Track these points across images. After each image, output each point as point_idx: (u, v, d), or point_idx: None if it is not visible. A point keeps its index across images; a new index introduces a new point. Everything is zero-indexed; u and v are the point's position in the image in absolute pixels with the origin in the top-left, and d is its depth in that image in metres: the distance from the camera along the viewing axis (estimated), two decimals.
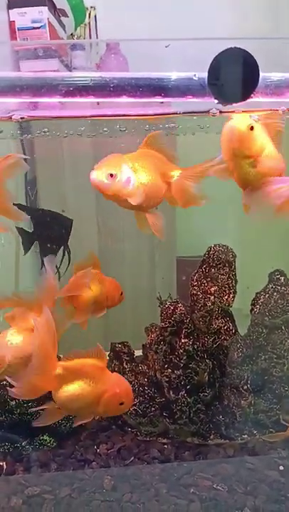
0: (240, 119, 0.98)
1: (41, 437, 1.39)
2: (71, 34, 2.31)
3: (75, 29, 2.38)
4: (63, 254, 1.59)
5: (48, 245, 1.60)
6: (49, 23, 2.06)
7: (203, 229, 2.24)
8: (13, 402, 1.37)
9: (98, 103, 1.38)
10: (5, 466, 1.31)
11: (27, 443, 1.38)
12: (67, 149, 2.18)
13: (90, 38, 2.49)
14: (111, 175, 1.02)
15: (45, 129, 1.65)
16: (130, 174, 1.05)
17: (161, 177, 1.13)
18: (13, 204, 1.12)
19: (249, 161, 1.03)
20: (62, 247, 1.61)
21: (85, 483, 1.24)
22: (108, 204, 2.43)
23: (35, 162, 2.19)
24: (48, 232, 1.60)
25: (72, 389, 1.06)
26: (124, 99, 0.97)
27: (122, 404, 1.09)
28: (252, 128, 0.98)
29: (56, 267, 1.54)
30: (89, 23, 2.41)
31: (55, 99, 0.98)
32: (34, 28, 2.06)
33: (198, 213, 2.31)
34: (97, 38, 2.46)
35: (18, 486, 1.22)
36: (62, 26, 2.33)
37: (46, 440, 1.39)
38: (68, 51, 2.07)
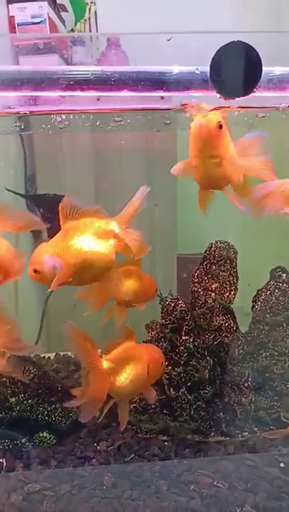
0: (210, 116, 0.95)
1: (41, 434, 1.38)
2: (71, 29, 2.30)
3: (75, 24, 2.37)
4: None
5: (55, 230, 1.59)
6: (49, 18, 2.04)
7: (203, 226, 2.23)
8: (13, 399, 1.37)
9: (98, 99, 1.38)
10: (5, 463, 1.30)
11: (27, 440, 1.37)
12: (66, 145, 2.17)
13: (91, 39, 2.48)
14: (35, 271, 1.00)
15: (43, 126, 1.64)
16: (52, 262, 1.00)
17: (103, 236, 1.05)
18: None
19: (214, 161, 1.01)
20: None
21: (85, 480, 1.24)
22: (108, 201, 2.43)
23: (34, 158, 2.19)
24: (55, 216, 1.60)
25: (127, 375, 1.13)
26: (126, 94, 0.95)
27: (162, 364, 1.22)
28: (220, 126, 0.95)
29: None
30: (89, 18, 2.39)
31: (56, 93, 0.97)
32: (34, 24, 2.04)
33: (199, 210, 2.31)
34: (97, 33, 2.45)
35: (18, 483, 1.22)
36: (62, 21, 2.31)
37: (46, 437, 1.38)
38: (68, 47, 2.06)
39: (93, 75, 0.93)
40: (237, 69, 0.89)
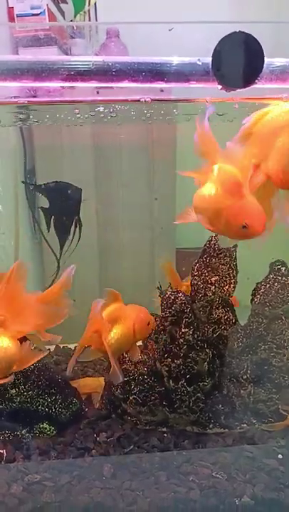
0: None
1: (41, 425, 1.39)
2: (70, 21, 2.28)
3: (75, 16, 2.35)
4: (75, 227, 1.59)
5: (64, 218, 1.60)
6: (48, 9, 2.03)
7: None
8: (13, 391, 1.37)
9: (98, 92, 1.37)
10: (5, 454, 1.31)
11: (27, 431, 1.38)
12: (66, 138, 2.16)
13: (90, 29, 2.46)
14: None
15: (47, 116, 1.64)
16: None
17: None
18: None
19: None
20: (74, 219, 1.60)
21: (84, 470, 1.24)
22: (107, 194, 2.42)
23: (34, 151, 2.18)
24: (63, 205, 1.60)
25: (113, 334, 1.21)
26: (126, 84, 0.95)
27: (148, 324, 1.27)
28: None
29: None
30: (88, 10, 2.38)
31: (56, 84, 0.96)
32: (33, 15, 2.03)
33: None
34: (96, 26, 2.43)
35: (19, 474, 1.22)
36: (62, 13, 2.30)
37: (46, 428, 1.39)
38: (68, 39, 2.05)
39: (94, 65, 0.92)
40: (239, 60, 0.88)
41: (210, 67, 0.91)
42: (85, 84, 0.97)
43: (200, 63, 0.93)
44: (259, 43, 0.89)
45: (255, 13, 2.21)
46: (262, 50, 0.89)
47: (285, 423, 1.43)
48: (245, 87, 0.93)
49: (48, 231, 1.64)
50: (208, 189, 0.99)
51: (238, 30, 0.88)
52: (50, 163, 2.20)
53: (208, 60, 0.92)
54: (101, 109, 1.52)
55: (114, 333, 1.20)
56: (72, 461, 1.29)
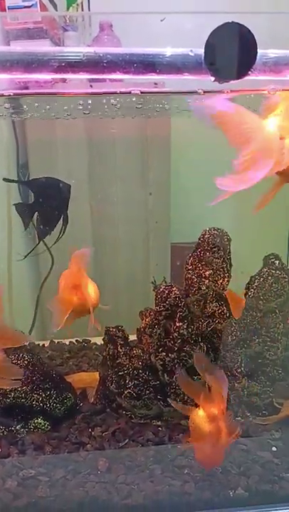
0: None
1: (36, 421, 1.39)
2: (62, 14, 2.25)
3: (67, 9, 2.32)
4: (63, 223, 1.59)
5: (49, 215, 1.59)
6: (40, 2, 2.00)
7: (197, 215, 2.23)
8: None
9: (91, 85, 1.35)
10: None
11: (21, 426, 1.38)
12: (59, 132, 2.15)
13: (83, 18, 2.43)
14: None
15: (39, 108, 1.62)
16: None
17: None
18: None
19: None
20: (62, 216, 1.59)
21: (79, 465, 1.24)
22: (102, 189, 2.41)
23: (26, 145, 2.16)
24: (48, 201, 1.59)
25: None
26: (118, 76, 0.94)
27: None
28: None
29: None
30: (81, 3, 2.35)
31: (47, 76, 0.94)
32: (25, 7, 2.00)
33: (193, 199, 2.31)
34: (89, 18, 2.40)
35: (13, 469, 1.22)
36: (54, 6, 2.27)
37: (41, 423, 1.39)
38: (60, 31, 2.02)
39: (85, 56, 0.90)
40: (232, 51, 0.88)
41: (202, 58, 0.90)
42: (76, 76, 0.95)
43: (192, 54, 0.91)
44: (252, 34, 0.88)
45: (252, 3, 2.19)
46: (255, 41, 0.89)
47: (278, 416, 1.43)
48: (238, 78, 0.92)
49: (25, 229, 1.63)
50: None
51: (230, 21, 0.87)
52: (43, 158, 2.18)
53: (201, 51, 0.91)
54: (94, 102, 1.51)
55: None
56: (67, 455, 1.29)
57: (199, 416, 1.09)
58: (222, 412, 1.07)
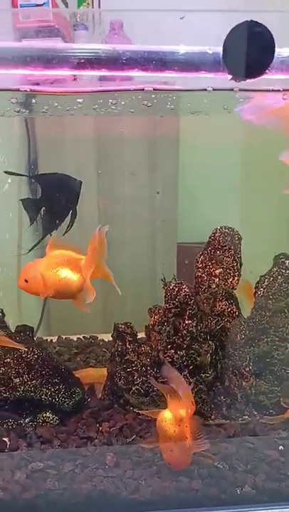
0: None
1: (44, 415, 1.40)
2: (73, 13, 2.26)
3: (78, 7, 2.33)
4: (71, 218, 1.60)
5: (55, 210, 1.60)
6: (52, 0, 2.01)
7: (204, 215, 2.23)
8: (17, 380, 1.38)
9: (101, 85, 1.36)
10: (9, 442, 1.32)
11: (30, 420, 1.39)
12: (68, 130, 2.16)
13: (93, 17, 2.44)
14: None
15: (46, 107, 1.63)
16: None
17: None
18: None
19: None
20: (70, 211, 1.60)
21: (87, 459, 1.25)
22: (109, 188, 2.42)
23: (36, 142, 2.17)
24: (56, 196, 1.60)
25: None
26: (137, 73, 0.95)
27: None
28: None
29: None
30: (92, 1, 2.36)
31: (66, 72, 0.96)
32: (37, 5, 2.01)
33: (200, 200, 2.31)
34: (100, 17, 2.41)
35: (22, 461, 1.23)
36: (65, 4, 2.28)
37: (49, 417, 1.40)
38: (71, 30, 2.03)
39: (104, 53, 0.91)
40: (250, 50, 0.88)
41: (220, 57, 0.91)
42: (94, 73, 0.96)
43: (210, 52, 0.92)
44: (270, 33, 0.89)
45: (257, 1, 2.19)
46: (273, 40, 0.89)
47: (285, 416, 1.44)
48: (255, 77, 0.93)
49: (31, 224, 1.65)
50: None
51: (249, 20, 0.88)
52: (52, 155, 2.19)
53: (219, 49, 0.91)
54: (103, 100, 1.52)
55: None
56: (75, 449, 1.29)
57: (165, 418, 1.15)
58: (188, 416, 1.14)
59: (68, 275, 1.36)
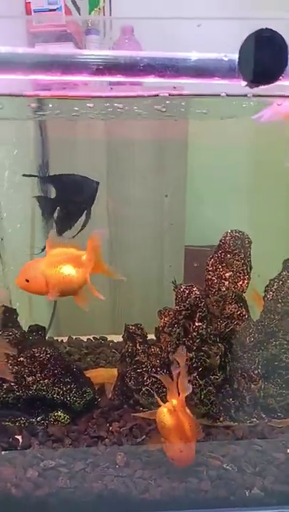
0: None
1: (56, 413, 1.41)
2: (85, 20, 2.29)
3: (90, 13, 2.36)
4: (86, 217, 1.62)
5: (70, 211, 1.61)
6: (65, 5, 2.04)
7: (212, 218, 2.25)
8: (30, 378, 1.39)
9: (111, 88, 1.38)
10: (21, 440, 1.34)
11: (42, 418, 1.41)
12: (79, 133, 2.18)
13: (104, 22, 2.47)
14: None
15: (58, 111, 1.65)
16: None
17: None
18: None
19: None
20: (84, 212, 1.62)
21: (98, 458, 1.27)
22: (118, 191, 2.44)
23: (48, 145, 2.20)
24: (73, 197, 1.61)
25: None
26: (153, 79, 0.97)
27: None
28: None
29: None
30: (103, 7, 2.39)
31: (84, 78, 0.98)
32: (50, 10, 2.04)
33: (208, 203, 2.32)
34: (111, 22, 2.44)
35: (34, 459, 1.25)
36: (78, 9, 2.31)
37: (61, 416, 1.41)
38: (83, 35, 2.06)
39: (123, 59, 0.94)
40: (265, 57, 0.90)
41: (236, 63, 0.93)
42: (111, 79, 0.98)
43: (226, 59, 0.94)
44: (284, 40, 0.91)
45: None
46: (287, 47, 0.91)
47: None
48: (269, 83, 0.95)
49: (46, 223, 1.66)
50: None
51: (264, 27, 0.89)
52: (63, 158, 2.22)
53: (234, 56, 0.93)
54: (114, 104, 1.54)
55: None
56: (86, 449, 1.31)
57: (161, 411, 1.21)
58: (182, 399, 1.20)
59: (72, 272, 1.37)
